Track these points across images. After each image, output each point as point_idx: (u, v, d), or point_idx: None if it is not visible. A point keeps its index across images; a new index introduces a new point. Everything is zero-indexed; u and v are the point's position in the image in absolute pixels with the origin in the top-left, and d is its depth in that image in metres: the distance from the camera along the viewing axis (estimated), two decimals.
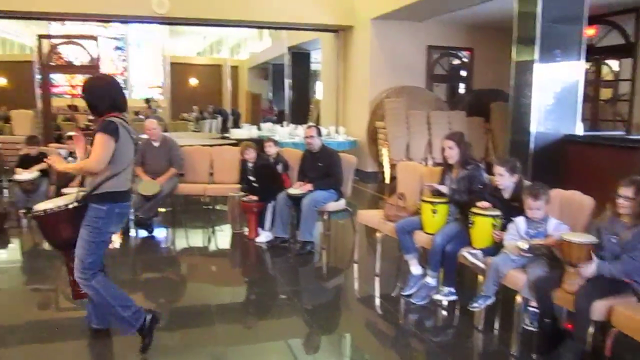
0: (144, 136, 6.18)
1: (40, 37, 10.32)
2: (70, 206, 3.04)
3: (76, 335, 3.49)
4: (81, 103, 13.03)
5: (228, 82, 21.59)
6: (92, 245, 3.01)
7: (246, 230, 5.86)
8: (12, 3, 9.12)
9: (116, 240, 5.60)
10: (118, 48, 22.19)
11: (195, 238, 6.28)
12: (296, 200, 5.30)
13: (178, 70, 21.94)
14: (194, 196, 6.89)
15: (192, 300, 4.34)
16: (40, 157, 6.19)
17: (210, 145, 7.02)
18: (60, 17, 11.52)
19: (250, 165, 5.77)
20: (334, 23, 10.64)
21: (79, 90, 19.73)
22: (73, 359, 3.31)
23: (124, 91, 3.24)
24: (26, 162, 6.21)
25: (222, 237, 6.29)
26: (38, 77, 10.14)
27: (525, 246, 3.22)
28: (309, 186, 5.34)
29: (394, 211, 4.44)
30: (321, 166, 5.45)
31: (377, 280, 4.64)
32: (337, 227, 6.45)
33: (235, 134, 10.16)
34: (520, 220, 3.41)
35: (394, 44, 10.02)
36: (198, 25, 13.44)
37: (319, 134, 5.53)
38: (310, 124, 9.97)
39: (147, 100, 18.86)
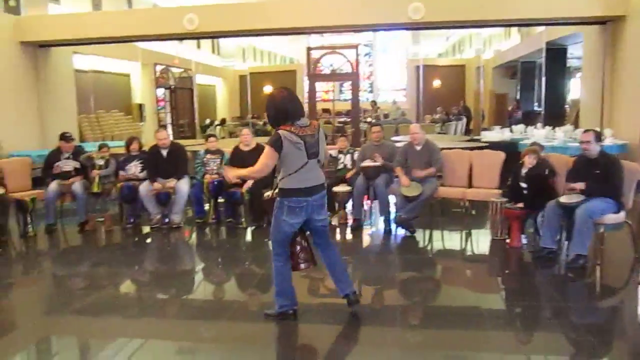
0: (396, 139, 6.41)
1: (309, 49, 11.48)
2: (270, 196, 3.92)
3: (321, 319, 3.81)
4: (333, 106, 14.16)
5: (472, 83, 21.17)
6: (274, 230, 3.76)
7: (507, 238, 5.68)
8: (281, 21, 10.36)
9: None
10: (366, 54, 23.47)
11: (452, 241, 6.32)
12: (568, 210, 4.95)
13: (421, 72, 22.30)
14: (451, 199, 6.91)
15: (449, 301, 4.39)
16: None
17: (470, 149, 6.97)
18: (322, 30, 12.64)
19: (524, 171, 5.56)
20: (601, 14, 9.62)
21: (330, 95, 21.52)
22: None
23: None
24: None
25: (480, 243, 6.20)
26: (305, 84, 11.27)
27: None
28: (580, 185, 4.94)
29: None
30: (598, 174, 4.97)
31: None
32: (612, 241, 5.83)
33: (487, 136, 9.91)
34: None
35: None
36: (450, 28, 13.45)
37: (598, 139, 5.07)
38: (587, 128, 9.17)
39: (374, 103, 19.50)
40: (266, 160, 3.59)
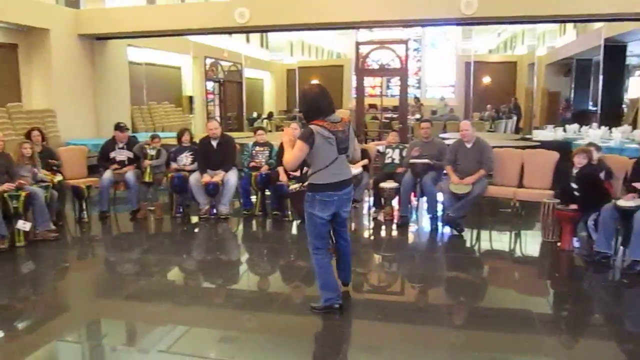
0: (444, 136, 6.31)
1: (358, 43, 11.43)
2: (297, 189, 4.19)
3: (367, 315, 3.79)
4: (381, 102, 14.06)
5: (523, 80, 20.62)
6: (309, 226, 3.81)
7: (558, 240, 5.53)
8: (330, 15, 10.34)
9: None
10: (414, 49, 23.19)
11: (500, 242, 6.18)
12: (626, 213, 4.76)
13: (470, 68, 21.87)
14: (501, 199, 6.77)
15: (496, 303, 4.30)
16: (362, 154, 6.88)
17: (522, 148, 6.80)
18: (372, 25, 12.56)
19: (574, 171, 5.39)
20: None
21: (377, 91, 21.41)
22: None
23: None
24: None
25: (530, 244, 6.05)
26: (353, 79, 11.21)
27: None
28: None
29: None
30: None
31: None
32: None
33: (539, 135, 9.65)
34: None
35: None
36: (503, 24, 13.12)
37: None
38: None
39: (417, 99, 19.19)
40: (297, 153, 3.65)
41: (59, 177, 6.60)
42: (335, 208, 3.77)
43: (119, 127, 7.16)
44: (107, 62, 12.25)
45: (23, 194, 5.57)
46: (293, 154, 3.67)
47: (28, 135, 6.75)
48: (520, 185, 6.40)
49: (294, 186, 4.27)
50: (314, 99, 3.70)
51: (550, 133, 9.68)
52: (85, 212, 6.86)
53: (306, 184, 3.82)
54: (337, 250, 4.09)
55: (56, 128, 10.67)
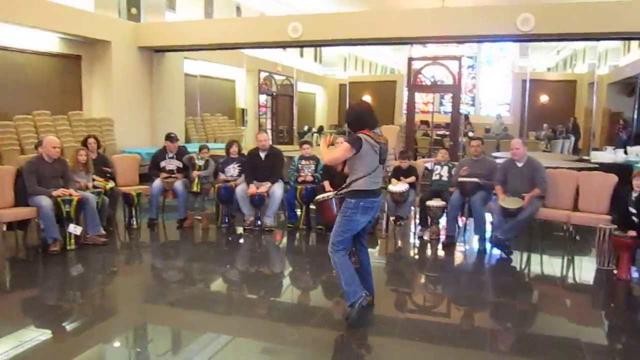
0: (497, 155, 6.12)
1: (410, 59, 11.33)
2: (332, 196, 4.19)
3: (407, 335, 3.66)
4: (432, 118, 13.87)
5: (582, 99, 19.91)
6: (342, 229, 3.93)
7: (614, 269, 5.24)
8: (384, 30, 10.29)
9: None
10: (469, 66, 22.83)
11: (551, 267, 5.92)
12: None
13: (528, 86, 21.33)
14: (553, 222, 6.50)
15: (544, 330, 4.07)
16: (410, 170, 6.78)
17: (579, 169, 6.53)
18: (426, 41, 12.45)
19: (634, 195, 5.11)
20: None
21: (429, 107, 21.15)
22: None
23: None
24: (398, 173, 6.85)
25: (583, 271, 5.77)
26: (405, 95, 11.10)
27: None
28: None
29: None
30: None
31: None
32: None
33: (597, 156, 9.24)
34: None
35: None
36: (562, 40, 12.74)
37: None
38: None
39: (466, 117, 18.67)
40: (342, 152, 3.90)
41: (111, 184, 6.80)
42: (374, 213, 4.08)
43: (169, 137, 7.34)
44: (164, 73, 12.64)
45: (76, 198, 5.76)
46: (337, 152, 3.98)
47: (84, 143, 7.00)
48: (575, 208, 6.12)
49: (322, 195, 4.35)
50: (361, 112, 4.02)
51: (609, 155, 9.26)
52: (134, 219, 7.04)
53: (343, 191, 3.99)
54: (358, 258, 4.21)
55: (113, 136, 11.07)
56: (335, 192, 4.20)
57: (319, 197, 4.42)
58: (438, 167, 6.79)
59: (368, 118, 3.96)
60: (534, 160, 6.09)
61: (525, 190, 5.88)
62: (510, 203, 5.81)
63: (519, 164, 6.03)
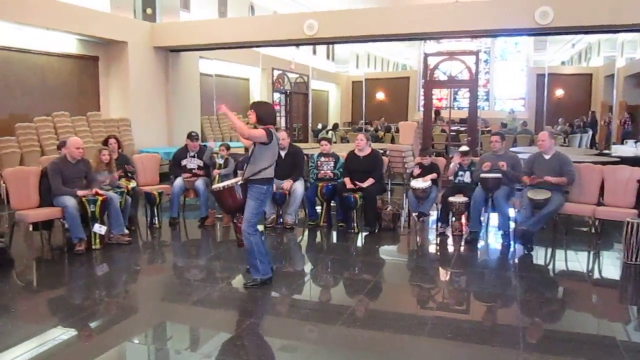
0: (515, 150, 6.05)
1: (426, 55, 11.27)
2: (238, 184, 4.67)
3: (438, 333, 3.63)
4: (449, 114, 13.76)
5: (599, 93, 19.68)
6: (255, 211, 4.56)
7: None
8: (399, 27, 10.24)
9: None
10: (484, 61, 22.66)
11: (577, 262, 5.85)
12: None
13: (542, 81, 21.13)
14: (577, 217, 6.42)
15: (575, 327, 4.04)
16: (432, 167, 6.74)
17: (603, 163, 6.45)
18: (441, 36, 12.36)
19: None
20: None
21: (443, 103, 21.04)
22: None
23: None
24: (419, 170, 6.80)
25: (610, 266, 5.70)
26: (420, 91, 11.02)
27: None
28: None
29: None
30: None
31: None
32: None
33: (619, 150, 9.14)
34: None
35: None
36: (581, 33, 12.58)
37: None
38: None
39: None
40: (258, 134, 4.45)
41: (133, 184, 6.84)
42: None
43: (190, 136, 7.36)
44: (179, 73, 12.68)
45: (100, 198, 5.80)
46: (256, 132, 4.43)
47: (105, 143, 7.04)
48: (600, 203, 6.05)
49: (224, 183, 4.90)
50: (272, 109, 4.85)
51: (631, 148, 9.15)
52: (156, 218, 7.07)
53: (256, 178, 4.52)
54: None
55: (131, 136, 11.13)
56: (241, 178, 4.64)
57: (221, 184, 4.82)
58: (461, 171, 6.64)
59: (275, 115, 4.78)
60: (562, 154, 6.04)
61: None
62: (538, 194, 5.77)
63: (547, 156, 5.98)
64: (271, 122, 4.58)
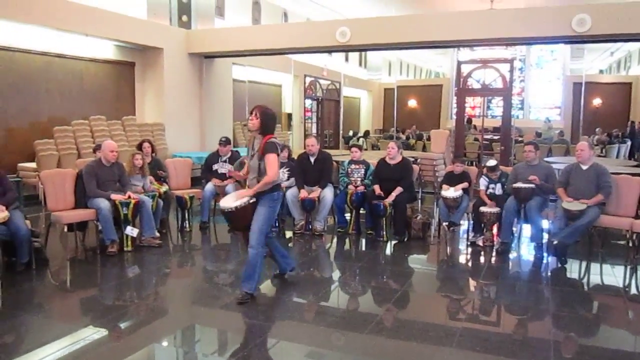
0: (549, 160, 5.92)
1: (460, 62, 11.16)
2: (251, 201, 4.35)
3: (467, 345, 3.55)
4: (482, 122, 13.59)
5: (639, 102, 19.15)
6: (269, 221, 4.45)
7: None
8: (432, 34, 10.17)
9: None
10: (519, 69, 22.33)
11: (613, 277, 5.67)
12: None
13: (579, 89, 20.66)
14: (614, 230, 6.24)
15: (612, 344, 3.91)
16: (464, 176, 6.65)
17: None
18: (476, 44, 12.22)
19: None
20: None
21: (476, 111, 20.78)
22: None
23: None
24: (451, 179, 6.73)
25: None
26: (452, 99, 10.94)
27: None
28: None
29: None
30: None
31: None
32: None
33: None
34: None
35: None
36: (620, 41, 12.28)
37: None
38: None
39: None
40: (277, 164, 4.35)
41: (165, 187, 6.95)
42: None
43: (221, 141, 7.45)
44: (213, 79, 12.86)
45: (133, 201, 5.91)
46: (274, 166, 4.29)
47: (139, 147, 7.17)
48: (638, 216, 5.86)
49: (240, 202, 4.42)
50: (275, 118, 4.53)
51: None
52: (187, 222, 7.17)
53: (267, 188, 4.38)
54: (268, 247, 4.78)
55: (164, 141, 11.33)
56: (253, 192, 4.34)
57: (232, 204, 4.36)
58: (492, 185, 6.51)
59: (275, 124, 4.61)
60: (600, 165, 5.90)
61: (590, 194, 5.70)
62: (573, 205, 5.63)
63: (584, 167, 5.85)
64: (272, 131, 4.44)
